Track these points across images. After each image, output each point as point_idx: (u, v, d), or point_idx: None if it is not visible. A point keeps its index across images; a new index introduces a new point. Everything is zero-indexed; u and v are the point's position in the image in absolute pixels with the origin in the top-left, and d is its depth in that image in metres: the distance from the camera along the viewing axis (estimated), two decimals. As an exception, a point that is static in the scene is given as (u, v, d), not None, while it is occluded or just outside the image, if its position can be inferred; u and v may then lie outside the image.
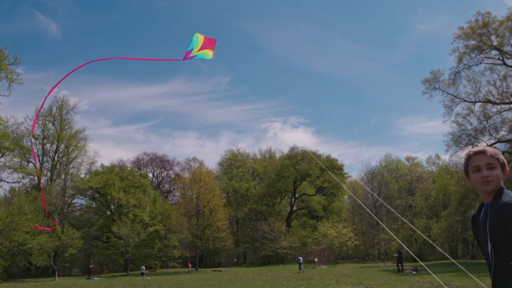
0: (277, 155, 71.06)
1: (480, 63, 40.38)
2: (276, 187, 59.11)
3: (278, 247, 49.95)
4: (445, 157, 64.33)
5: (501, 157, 2.51)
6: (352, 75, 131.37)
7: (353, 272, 28.71)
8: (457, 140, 41.10)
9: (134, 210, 53.27)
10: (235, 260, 60.59)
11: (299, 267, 33.54)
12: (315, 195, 60.58)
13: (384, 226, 10.97)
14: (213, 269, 49.06)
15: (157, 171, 75.53)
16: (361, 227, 59.49)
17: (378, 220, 43.35)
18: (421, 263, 7.91)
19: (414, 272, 25.63)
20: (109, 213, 56.65)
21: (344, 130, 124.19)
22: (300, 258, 35.48)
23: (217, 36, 8.25)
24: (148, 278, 34.18)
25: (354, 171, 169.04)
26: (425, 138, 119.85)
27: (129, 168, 63.24)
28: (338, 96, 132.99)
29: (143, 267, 39.18)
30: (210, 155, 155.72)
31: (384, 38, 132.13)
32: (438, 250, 55.07)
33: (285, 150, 65.71)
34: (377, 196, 29.10)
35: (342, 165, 66.85)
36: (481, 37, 38.64)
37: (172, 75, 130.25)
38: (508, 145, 41.32)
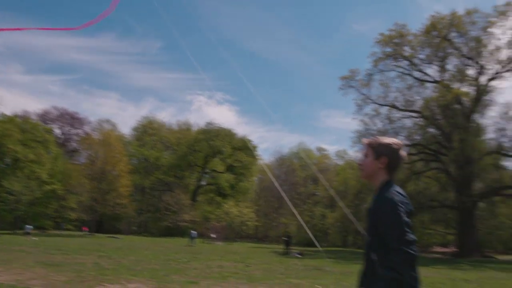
0: (195, 129, 70.58)
1: (392, 70, 43.09)
2: (187, 160, 58.81)
3: (179, 219, 50.05)
4: (352, 153, 68.19)
5: (376, 145, 2.49)
6: (284, 61, 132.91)
7: (243, 251, 29.67)
8: (362, 138, 43.59)
9: (32, 165, 49.88)
10: (135, 228, 59.57)
11: (191, 241, 34.04)
12: (224, 172, 61.23)
13: (293, 209, 11.40)
14: (109, 235, 47.86)
15: (66, 128, 71.30)
16: (264, 209, 61.41)
17: (288, 202, 45.23)
18: (320, 248, 8.35)
19: (299, 256, 27.07)
20: (3, 166, 52.60)
21: (267, 114, 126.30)
22: (193, 232, 36.00)
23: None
24: (35, 238, 32.23)
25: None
26: (341, 133, 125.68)
27: (33, 121, 58.92)
28: (267, 79, 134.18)
29: (29, 226, 36.54)
30: (130, 120, 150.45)
31: (321, 31, 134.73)
32: (331, 238, 58.87)
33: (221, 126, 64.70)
34: (276, 183, 30.00)
35: (256, 147, 68.42)
36: (396, 46, 41.19)
37: (100, 30, 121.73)
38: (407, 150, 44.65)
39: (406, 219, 2.24)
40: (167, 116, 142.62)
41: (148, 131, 61.46)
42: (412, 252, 2.14)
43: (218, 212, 52.06)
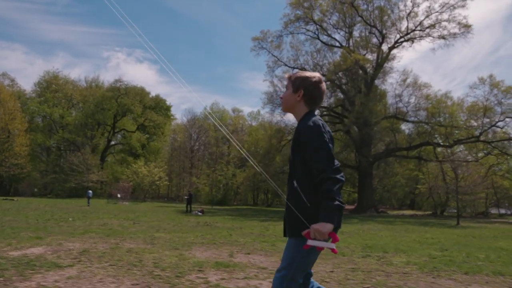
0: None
1: (303, 33, 43.80)
2: (95, 119, 55.99)
3: (86, 180, 48.01)
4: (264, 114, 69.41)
5: (294, 78, 2.50)
6: (206, 20, 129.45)
7: (145, 210, 29.30)
8: (271, 99, 44.32)
9: None
10: (36, 190, 56.16)
11: (88, 201, 33.06)
12: (135, 132, 59.38)
13: (254, 163, 11.06)
14: (4, 197, 44.64)
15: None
16: (176, 169, 61.04)
17: (247, 156, 45.09)
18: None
19: (200, 214, 27.38)
20: None
21: (190, 74, 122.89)
22: (89, 191, 34.98)
23: None
24: None
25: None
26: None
27: None
28: (189, 38, 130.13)
29: None
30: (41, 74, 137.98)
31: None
32: (241, 197, 60.37)
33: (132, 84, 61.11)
34: (226, 131, 29.70)
35: (170, 106, 66.95)
36: (307, 9, 41.70)
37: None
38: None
39: (330, 145, 2.26)
40: (83, 73, 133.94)
41: (51, 87, 57.05)
42: (342, 179, 2.18)
43: (127, 172, 50.72)
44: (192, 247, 8.35)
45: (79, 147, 55.98)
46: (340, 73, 41.81)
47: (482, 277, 6.05)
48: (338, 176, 2.15)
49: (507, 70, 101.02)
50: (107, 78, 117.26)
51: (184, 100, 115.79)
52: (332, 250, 2.16)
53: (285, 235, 2.44)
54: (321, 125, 2.28)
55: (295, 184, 2.31)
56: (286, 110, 2.60)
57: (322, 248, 2.16)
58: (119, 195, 41.70)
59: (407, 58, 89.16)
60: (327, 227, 2.08)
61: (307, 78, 2.46)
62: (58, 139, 57.88)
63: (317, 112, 2.59)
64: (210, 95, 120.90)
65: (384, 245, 10.19)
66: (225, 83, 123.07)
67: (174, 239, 9.92)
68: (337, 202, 2.09)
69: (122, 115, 57.17)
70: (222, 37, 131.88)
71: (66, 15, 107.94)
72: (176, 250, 7.81)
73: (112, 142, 62.65)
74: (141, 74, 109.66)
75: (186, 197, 32.24)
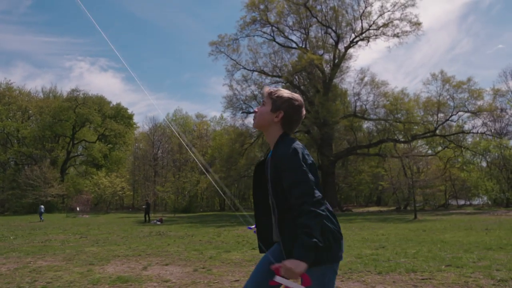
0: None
1: (259, 35, 43.78)
2: (52, 130, 54.20)
3: (44, 195, 46.24)
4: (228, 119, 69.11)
5: (276, 97, 2.27)
6: (171, 26, 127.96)
7: (102, 222, 28.38)
8: (231, 103, 44.04)
9: None
10: (-9, 207, 53.72)
11: (40, 216, 31.85)
12: (95, 142, 57.84)
13: (210, 171, 10.53)
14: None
15: None
16: (139, 179, 59.80)
17: (201, 163, 44.22)
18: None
19: (159, 223, 26.76)
20: None
21: (156, 81, 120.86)
22: (41, 206, 33.84)
23: None
24: None
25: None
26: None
27: None
28: (154, 45, 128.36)
29: None
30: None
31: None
32: (206, 203, 59.72)
33: (91, 94, 58.98)
34: (184, 140, 29.02)
35: (132, 115, 65.77)
36: (262, 12, 41.74)
37: None
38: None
39: (310, 175, 2.02)
40: (47, 84, 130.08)
41: (3, 99, 54.85)
42: (323, 213, 1.95)
43: (88, 184, 49.21)
44: (111, 261, 7.92)
45: (36, 160, 54.02)
46: (298, 74, 42.03)
47: (393, 276, 5.91)
48: (318, 210, 1.93)
49: (464, 67, 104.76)
50: (66, 88, 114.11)
51: (151, 108, 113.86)
52: None
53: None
54: (300, 152, 2.07)
55: (275, 215, 2.16)
56: (258, 126, 2.35)
57: None
58: (78, 208, 40.35)
59: (370, 58, 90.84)
60: (301, 266, 1.83)
61: (289, 100, 2.27)
62: (14, 153, 55.65)
63: None
64: (177, 102, 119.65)
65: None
66: (192, 89, 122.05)
67: (101, 253, 9.45)
68: (314, 240, 1.87)
69: (81, 125, 55.56)
70: (187, 43, 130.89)
71: (23, 24, 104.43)
72: (90, 265, 7.37)
73: (74, 154, 60.76)
74: (106, 83, 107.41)
75: (143, 206, 31.48)
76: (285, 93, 2.31)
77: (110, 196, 47.37)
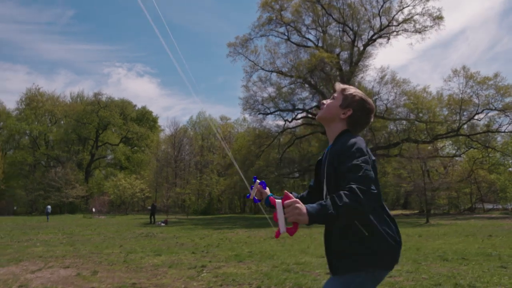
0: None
1: (274, 35, 43.04)
2: (76, 134, 55.61)
3: (68, 196, 47.41)
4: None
5: (349, 94, 2.20)
6: (206, 31, 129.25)
7: (107, 223, 28.51)
8: (248, 104, 43.51)
9: None
10: (15, 208, 55.60)
11: (47, 217, 32.48)
12: (118, 144, 58.86)
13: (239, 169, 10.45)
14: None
15: None
16: (160, 180, 60.14)
17: (235, 164, 44.19)
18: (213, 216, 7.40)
19: (163, 224, 26.62)
20: None
21: (191, 85, 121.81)
22: (48, 207, 34.49)
23: None
24: None
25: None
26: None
27: None
28: (189, 49, 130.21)
29: None
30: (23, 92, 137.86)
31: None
32: (223, 205, 59.43)
33: (130, 98, 60.13)
34: (175, 153, 29.14)
35: (157, 118, 66.74)
36: (277, 11, 41.04)
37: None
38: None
39: (372, 170, 1.85)
40: (85, 89, 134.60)
41: (32, 104, 56.79)
42: (366, 206, 1.71)
43: (108, 185, 50.03)
44: (13, 262, 7.59)
45: (63, 163, 55.53)
46: (315, 74, 41.02)
47: None
48: (364, 199, 1.67)
49: (505, 66, 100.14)
50: (108, 93, 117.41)
51: (185, 112, 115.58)
52: (277, 233, 1.71)
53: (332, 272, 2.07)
54: (364, 145, 1.95)
55: None
56: (321, 119, 2.27)
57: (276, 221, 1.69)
58: (94, 210, 40.98)
59: (405, 59, 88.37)
60: (302, 217, 1.60)
61: (361, 100, 2.20)
62: (40, 156, 57.45)
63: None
64: (211, 105, 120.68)
65: (276, 253, 9.35)
66: (226, 92, 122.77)
67: (67, 255, 9.20)
68: (332, 212, 1.61)
69: (103, 128, 56.73)
70: (220, 46, 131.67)
71: (66, 34, 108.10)
72: (37, 266, 7.02)
73: (98, 156, 62.16)
74: (143, 88, 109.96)
75: (149, 208, 31.53)
76: (359, 93, 2.24)
77: (129, 198, 47.90)
